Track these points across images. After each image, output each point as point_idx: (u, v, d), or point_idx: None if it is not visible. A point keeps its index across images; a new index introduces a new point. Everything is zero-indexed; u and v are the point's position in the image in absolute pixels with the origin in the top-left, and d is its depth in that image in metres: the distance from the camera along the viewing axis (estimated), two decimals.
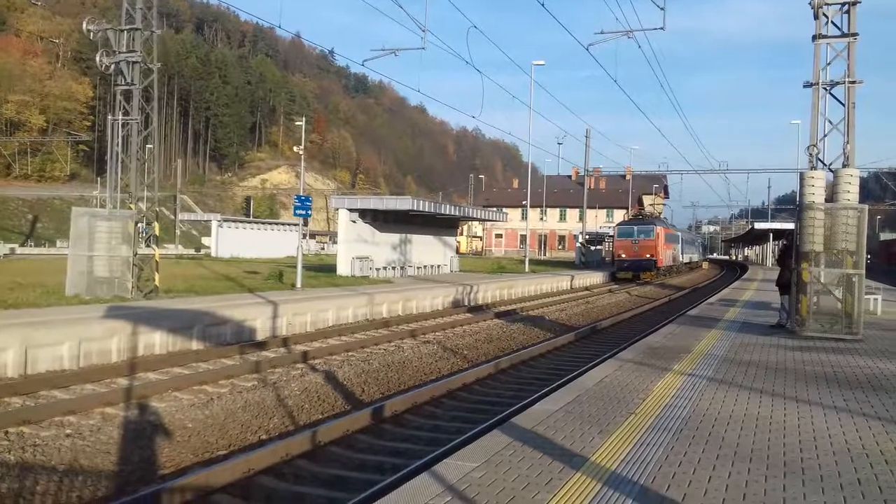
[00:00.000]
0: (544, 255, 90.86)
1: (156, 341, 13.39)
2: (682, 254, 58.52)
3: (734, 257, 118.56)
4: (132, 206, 18.78)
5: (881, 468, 5.39)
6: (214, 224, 60.43)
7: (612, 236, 52.62)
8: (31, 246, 72.11)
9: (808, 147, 14.82)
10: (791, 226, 32.43)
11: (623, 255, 44.46)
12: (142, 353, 13.01)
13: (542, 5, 20.17)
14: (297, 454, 7.93)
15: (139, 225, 18.90)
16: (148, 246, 19.42)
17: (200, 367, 12.45)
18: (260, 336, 15.68)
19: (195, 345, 14.10)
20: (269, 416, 10.07)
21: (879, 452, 5.80)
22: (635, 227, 45.38)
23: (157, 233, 19.53)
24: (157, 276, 18.63)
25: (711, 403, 7.52)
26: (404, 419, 9.80)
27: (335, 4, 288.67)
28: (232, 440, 9.09)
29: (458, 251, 44.58)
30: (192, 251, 72.43)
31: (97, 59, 18.96)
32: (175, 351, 13.57)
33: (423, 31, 20.17)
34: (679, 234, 59.75)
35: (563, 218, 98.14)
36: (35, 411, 8.95)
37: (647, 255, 43.74)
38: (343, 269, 29.50)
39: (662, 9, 20.70)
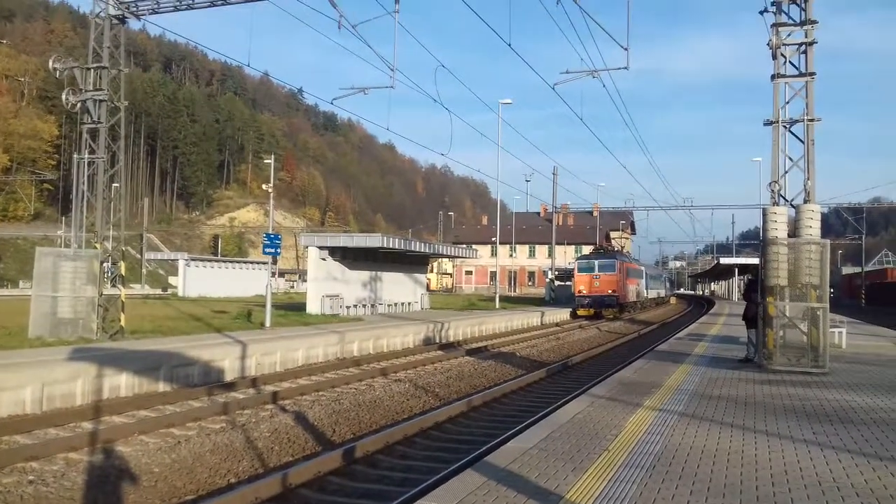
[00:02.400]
0: (514, 291, 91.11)
1: (121, 383, 13.13)
2: (646, 289, 57.23)
3: (701, 292, 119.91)
4: (98, 245, 18.53)
5: (852, 500, 5.43)
6: (182, 263, 59.88)
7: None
8: None
9: (770, 183, 15.12)
10: (755, 261, 32.90)
11: (583, 291, 42.26)
12: (107, 395, 12.73)
13: (510, 45, 20.51)
14: (267, 497, 7.78)
15: (105, 265, 18.62)
16: (114, 286, 19.12)
17: (167, 409, 12.21)
18: (228, 377, 15.45)
19: (162, 387, 13.85)
20: (238, 459, 9.89)
21: (850, 485, 5.85)
22: (596, 262, 43.33)
23: (122, 272, 19.25)
24: (122, 317, 18.34)
25: (683, 438, 7.55)
26: (376, 459, 9.68)
27: (304, 43, 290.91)
28: (200, 484, 8.90)
29: (428, 288, 44.54)
30: (158, 291, 71.50)
31: (63, 97, 18.88)
32: (141, 393, 13.31)
33: (392, 70, 20.34)
34: (643, 268, 58.51)
35: (532, 254, 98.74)
36: None
37: (609, 291, 41.80)
38: (313, 307, 29.31)
39: (626, 49, 21.11)
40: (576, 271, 44.05)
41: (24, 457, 8.79)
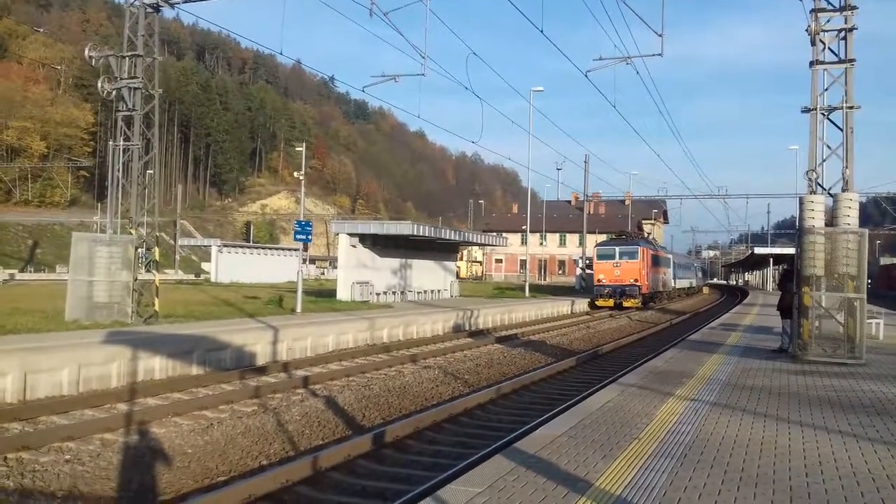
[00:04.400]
0: (544, 280, 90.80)
1: (155, 366, 13.34)
2: (674, 278, 54.38)
3: (735, 282, 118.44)
4: (132, 231, 18.79)
5: (888, 493, 5.34)
6: (214, 249, 60.53)
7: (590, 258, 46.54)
8: (30, 272, 72.05)
9: (807, 172, 14.86)
10: (791, 251, 32.29)
11: (603, 280, 39.56)
12: (141, 378, 12.95)
13: (542, 32, 20.36)
14: (298, 480, 7.85)
15: (139, 250, 18.88)
16: (148, 271, 19.40)
17: (200, 392, 12.39)
18: (260, 361, 15.62)
19: (195, 370, 14.05)
20: (269, 442, 10.00)
21: (886, 477, 5.75)
22: (617, 248, 40.65)
23: (157, 258, 19.51)
24: (156, 301, 18.60)
25: (715, 428, 7.47)
26: (406, 444, 9.72)
27: (335, 31, 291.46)
28: (232, 466, 9.01)
29: (458, 276, 44.50)
30: (191, 276, 72.37)
31: (99, 85, 19.10)
32: (175, 376, 13.51)
33: (424, 57, 20.32)
34: (670, 256, 55.31)
35: (562, 243, 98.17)
36: (34, 437, 8.89)
37: (631, 280, 39.03)
38: (343, 293, 29.49)
39: (660, 35, 20.85)
40: (595, 258, 41.42)
41: (61, 437, 8.97)
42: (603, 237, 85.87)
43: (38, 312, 18.92)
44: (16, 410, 10.09)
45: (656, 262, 45.27)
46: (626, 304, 38.87)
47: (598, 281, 40.00)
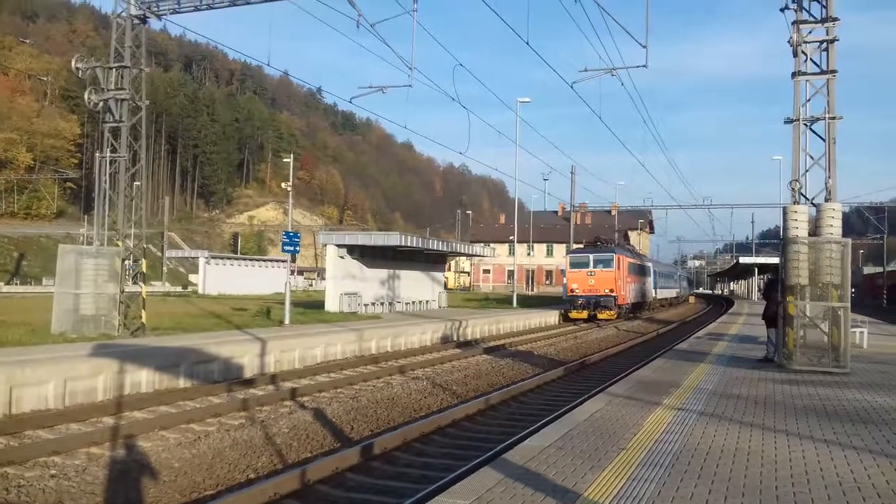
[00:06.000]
0: (532, 290, 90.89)
1: (142, 379, 13.26)
2: (654, 288, 51.68)
3: (720, 291, 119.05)
4: (119, 243, 18.71)
5: (874, 501, 5.38)
6: (202, 261, 60.37)
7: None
8: (16, 284, 71.56)
9: (791, 182, 14.97)
10: (775, 260, 32.34)
11: (576, 290, 36.55)
12: (128, 391, 12.87)
13: (528, 44, 20.47)
14: (286, 493, 7.83)
15: (126, 262, 18.80)
16: (135, 283, 19.32)
17: (187, 405, 12.33)
18: (248, 373, 15.56)
19: (182, 383, 13.98)
20: (257, 455, 9.96)
21: (871, 486, 5.79)
22: (591, 256, 37.46)
23: (144, 270, 19.43)
24: (143, 314, 18.51)
25: (702, 437, 7.51)
26: (394, 456, 9.71)
27: (323, 43, 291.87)
28: (219, 479, 8.97)
29: (446, 287, 44.47)
30: (179, 288, 72.02)
31: (85, 96, 19.05)
32: (162, 389, 13.44)
33: (411, 68, 20.37)
34: (650, 265, 51.98)
35: (550, 253, 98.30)
36: (19, 451, 8.82)
37: (606, 290, 36.07)
38: (331, 304, 29.44)
39: (645, 47, 20.98)
40: (567, 266, 38.14)
41: (47, 451, 8.91)
42: None
43: (24, 325, 18.78)
44: (0, 425, 10.01)
45: (635, 270, 43.14)
46: (600, 315, 36.15)
47: (571, 291, 37.01)
